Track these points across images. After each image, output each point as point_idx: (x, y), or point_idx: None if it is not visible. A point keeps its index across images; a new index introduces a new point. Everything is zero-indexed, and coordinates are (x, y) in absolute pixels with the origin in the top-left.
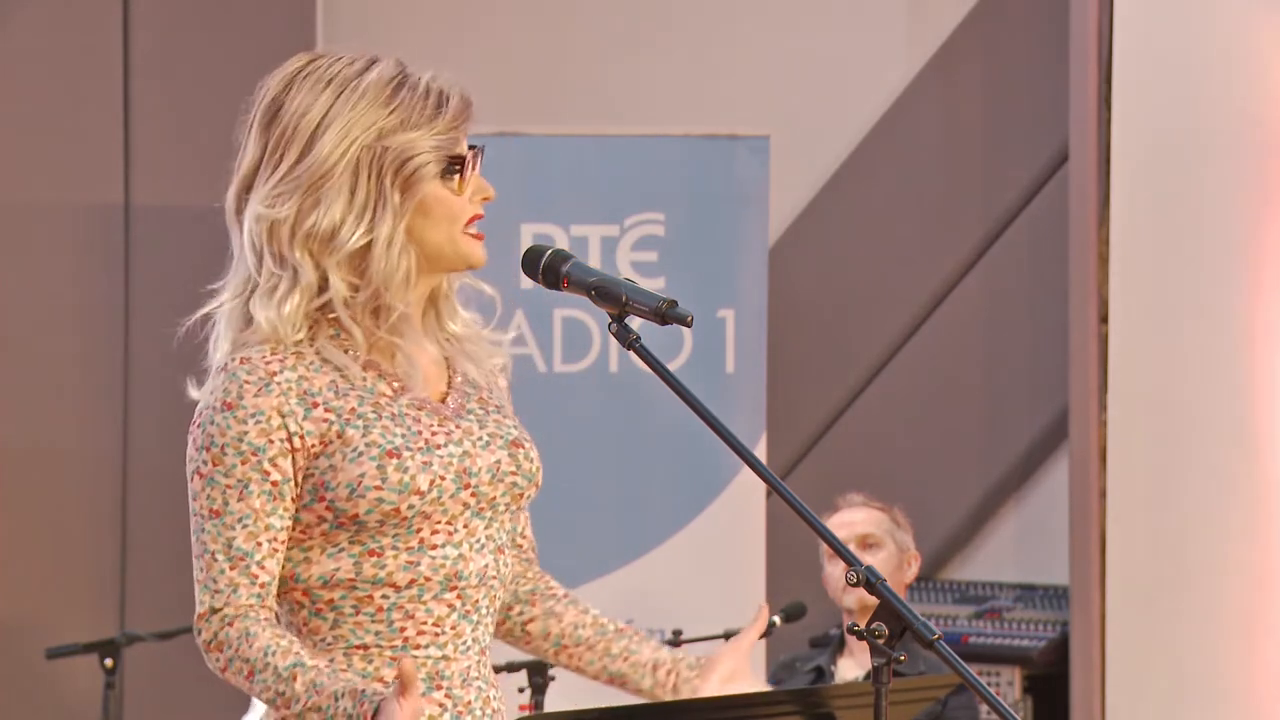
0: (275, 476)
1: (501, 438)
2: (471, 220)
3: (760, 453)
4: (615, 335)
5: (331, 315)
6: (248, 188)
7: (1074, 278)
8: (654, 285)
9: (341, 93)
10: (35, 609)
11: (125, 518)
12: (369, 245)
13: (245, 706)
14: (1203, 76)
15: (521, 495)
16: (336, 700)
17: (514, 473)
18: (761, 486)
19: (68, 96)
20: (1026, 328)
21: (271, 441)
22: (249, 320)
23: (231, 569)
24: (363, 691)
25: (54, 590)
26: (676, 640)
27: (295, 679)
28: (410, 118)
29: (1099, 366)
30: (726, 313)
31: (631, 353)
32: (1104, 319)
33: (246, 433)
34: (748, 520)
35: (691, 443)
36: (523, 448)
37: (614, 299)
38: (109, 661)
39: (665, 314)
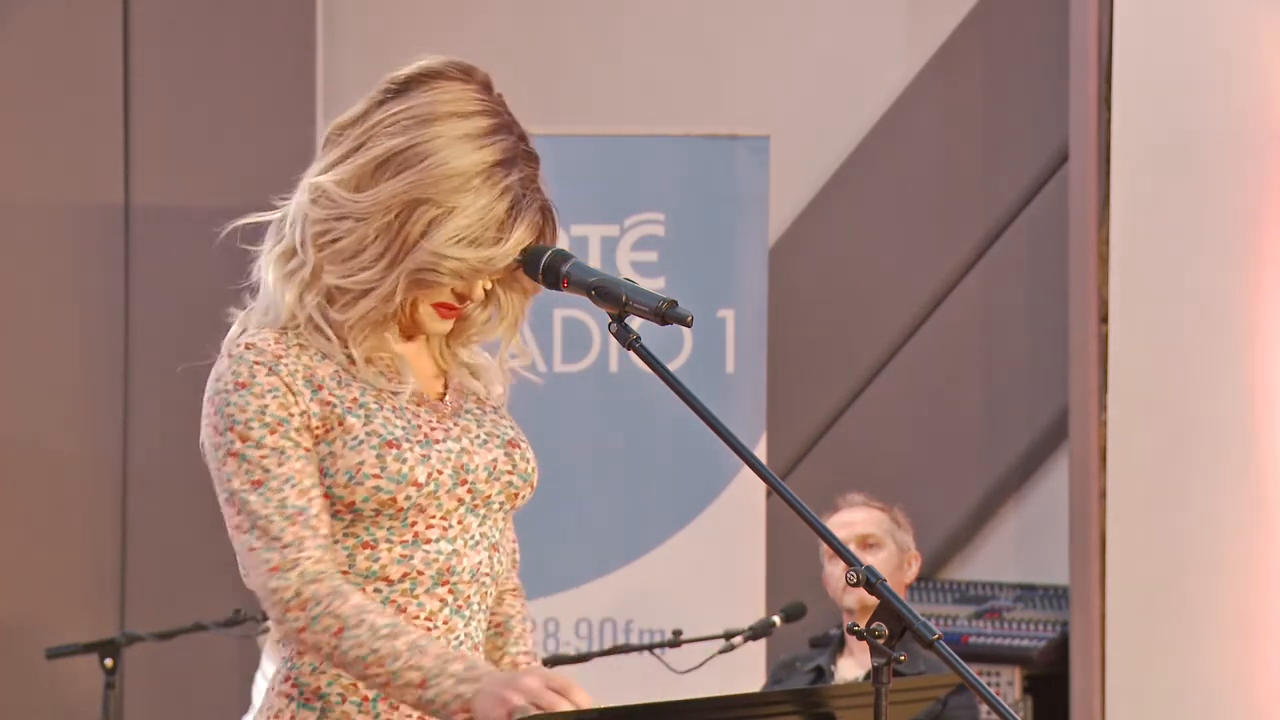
0: (305, 444)
1: (498, 437)
2: (442, 304)
3: (760, 453)
4: (615, 335)
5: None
6: (339, 132)
7: (1074, 278)
8: (654, 285)
9: (440, 152)
10: (35, 609)
11: (125, 518)
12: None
13: (245, 707)
14: (1203, 76)
15: (516, 495)
16: (446, 663)
17: (510, 472)
18: (761, 486)
19: (68, 96)
20: (1026, 328)
21: (291, 415)
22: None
23: (292, 525)
24: (475, 663)
25: (54, 590)
26: (676, 640)
27: (396, 637)
28: (468, 221)
29: (1099, 366)
30: (726, 313)
31: (631, 353)
32: (1104, 319)
33: (267, 406)
34: (748, 520)
35: (691, 443)
36: (519, 448)
37: (614, 299)
38: (109, 661)
39: (665, 314)
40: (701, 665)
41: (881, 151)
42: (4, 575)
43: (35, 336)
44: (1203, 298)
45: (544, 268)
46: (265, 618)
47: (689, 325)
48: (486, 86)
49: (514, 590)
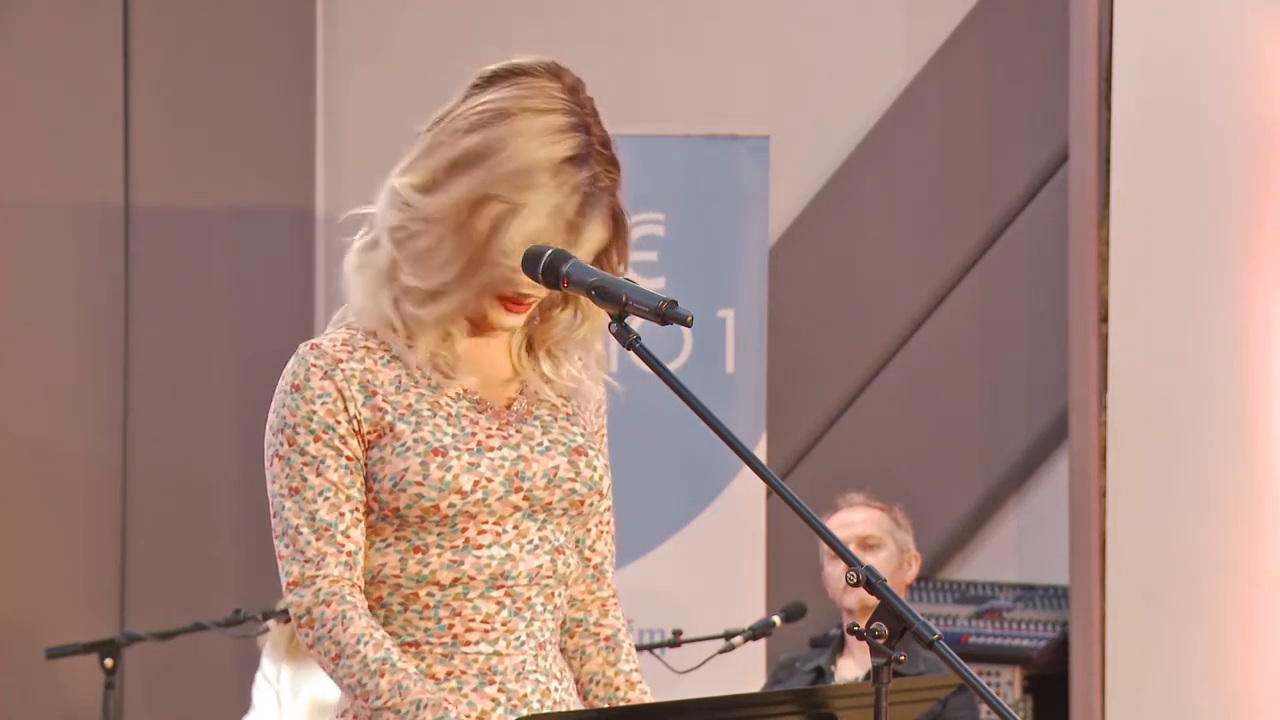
0: (348, 453)
1: (564, 444)
2: (508, 298)
3: (760, 453)
4: (615, 335)
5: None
6: (428, 129)
7: (1074, 278)
8: (654, 285)
9: (510, 147)
10: (35, 609)
11: (125, 518)
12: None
13: (245, 707)
14: (1202, 77)
15: (582, 502)
16: (418, 709)
17: (573, 479)
18: (761, 486)
19: (68, 96)
20: (1026, 328)
21: (339, 421)
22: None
23: (318, 540)
24: (447, 710)
25: (54, 590)
26: (676, 640)
27: (382, 675)
28: (537, 222)
29: (1099, 366)
30: (726, 313)
31: (631, 353)
32: (1104, 319)
33: (315, 412)
34: (748, 520)
35: (691, 443)
36: (585, 455)
37: (614, 299)
38: (109, 661)
39: (665, 314)
40: (701, 665)
41: (882, 151)
42: (4, 575)
43: (35, 336)
44: (1203, 298)
45: (544, 267)
46: (265, 618)
47: (689, 325)
48: (574, 89)
49: (614, 598)
